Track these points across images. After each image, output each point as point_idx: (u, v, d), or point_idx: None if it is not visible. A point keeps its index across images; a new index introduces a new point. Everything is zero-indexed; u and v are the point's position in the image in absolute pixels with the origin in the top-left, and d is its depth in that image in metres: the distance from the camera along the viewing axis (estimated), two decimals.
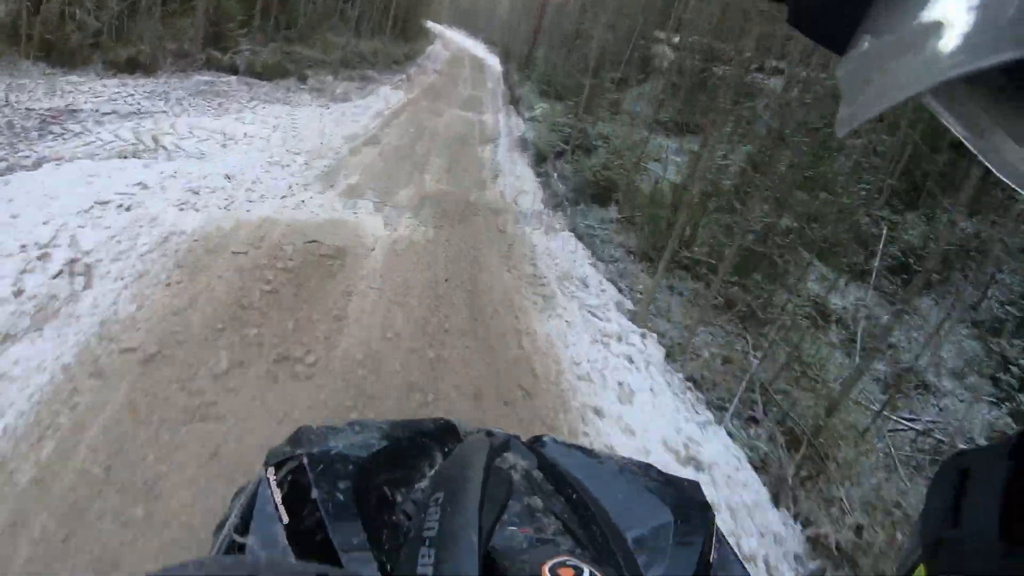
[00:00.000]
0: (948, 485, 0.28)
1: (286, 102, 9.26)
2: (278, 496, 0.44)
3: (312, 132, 7.55)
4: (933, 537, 0.27)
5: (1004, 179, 0.21)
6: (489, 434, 0.56)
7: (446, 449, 0.55)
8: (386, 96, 12.48)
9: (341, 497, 0.42)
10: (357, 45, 14.80)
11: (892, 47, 0.19)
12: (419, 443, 0.54)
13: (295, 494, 0.43)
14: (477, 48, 29.96)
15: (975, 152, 0.22)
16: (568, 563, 0.37)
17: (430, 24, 31.55)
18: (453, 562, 0.34)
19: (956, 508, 0.27)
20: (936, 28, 0.16)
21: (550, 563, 0.36)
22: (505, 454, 0.54)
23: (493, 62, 25.07)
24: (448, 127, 10.86)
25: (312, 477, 0.44)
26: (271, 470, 0.47)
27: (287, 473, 0.46)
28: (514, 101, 16.48)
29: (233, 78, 9.68)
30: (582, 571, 0.36)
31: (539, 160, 8.72)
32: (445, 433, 0.58)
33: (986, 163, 0.22)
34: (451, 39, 31.19)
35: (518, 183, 7.81)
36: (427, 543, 0.35)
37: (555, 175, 7.95)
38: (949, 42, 0.16)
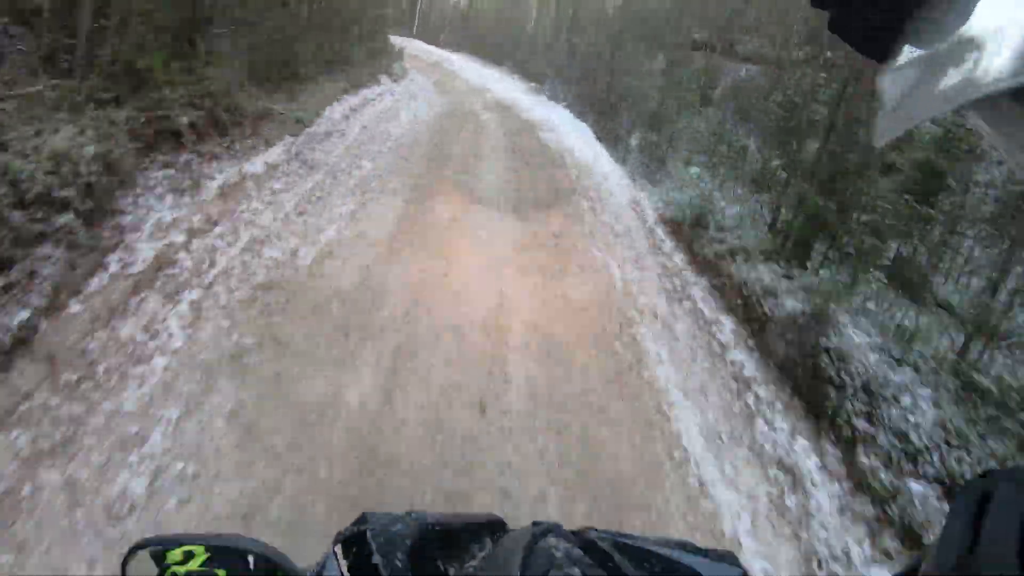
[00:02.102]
0: (969, 508, 0.27)
1: None
2: (344, 567, 0.49)
3: None
4: (951, 561, 0.27)
5: None
6: (535, 524, 0.57)
7: (495, 536, 0.59)
8: None
9: (400, 566, 0.48)
10: None
11: (934, 59, 0.19)
12: (470, 529, 0.58)
13: (359, 565, 0.49)
14: (507, 87, 13.13)
15: (1013, 165, 0.21)
16: None
17: (405, 42, 15.05)
18: None
19: (976, 533, 0.26)
20: (979, 42, 0.16)
21: None
22: (548, 537, 0.53)
23: (570, 130, 8.07)
24: None
25: (375, 547, 0.50)
26: (338, 546, 0.51)
27: (352, 546, 0.51)
28: None
29: None
30: None
31: None
32: (494, 525, 0.61)
33: (1022, 177, 0.21)
34: (453, 69, 14.68)
35: None
36: None
37: None
38: (992, 57, 0.16)
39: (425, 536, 0.53)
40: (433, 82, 10.85)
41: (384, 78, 9.00)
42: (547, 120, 8.70)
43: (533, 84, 13.94)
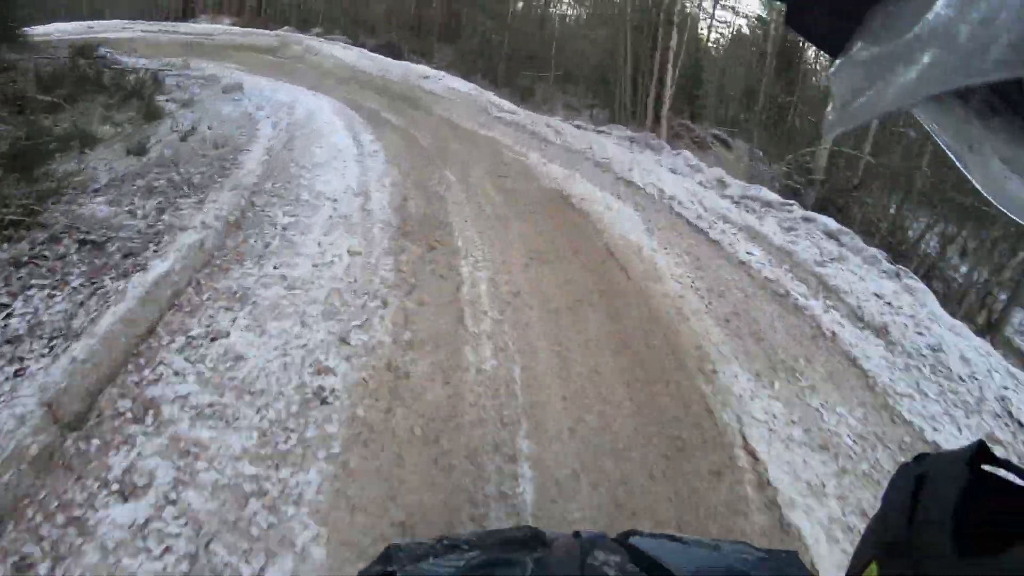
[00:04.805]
0: (905, 488, 0.27)
1: None
2: None
3: None
4: (887, 538, 0.27)
5: (986, 195, 0.21)
6: (576, 535, 0.52)
7: (536, 555, 0.50)
8: None
9: None
10: None
11: (885, 57, 0.19)
12: (509, 553, 0.51)
13: None
14: None
15: (960, 166, 0.21)
16: None
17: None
18: None
19: (911, 512, 0.26)
20: (930, 41, 0.16)
21: None
22: (595, 551, 0.49)
23: None
24: None
25: None
26: None
27: None
28: None
29: None
30: None
31: None
32: (533, 541, 0.53)
33: (970, 178, 0.21)
34: None
35: None
36: None
37: None
38: (942, 57, 0.16)
39: (464, 570, 0.48)
40: None
41: None
42: None
43: None
